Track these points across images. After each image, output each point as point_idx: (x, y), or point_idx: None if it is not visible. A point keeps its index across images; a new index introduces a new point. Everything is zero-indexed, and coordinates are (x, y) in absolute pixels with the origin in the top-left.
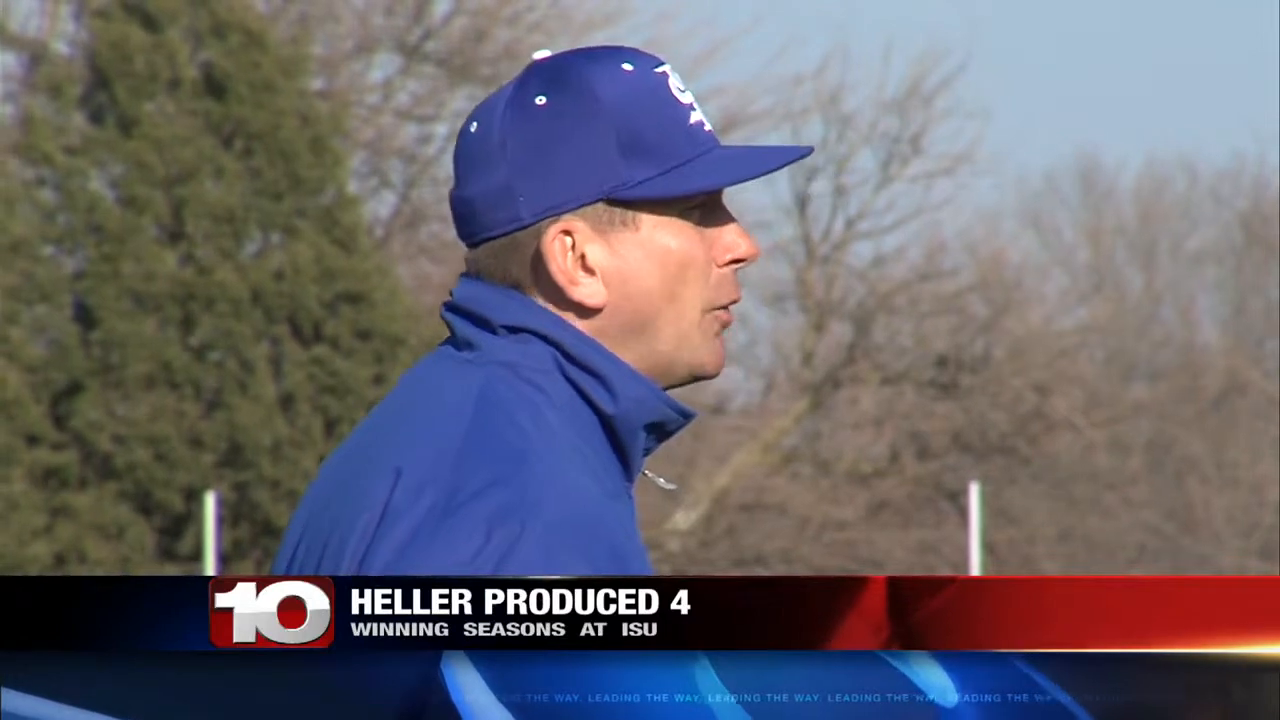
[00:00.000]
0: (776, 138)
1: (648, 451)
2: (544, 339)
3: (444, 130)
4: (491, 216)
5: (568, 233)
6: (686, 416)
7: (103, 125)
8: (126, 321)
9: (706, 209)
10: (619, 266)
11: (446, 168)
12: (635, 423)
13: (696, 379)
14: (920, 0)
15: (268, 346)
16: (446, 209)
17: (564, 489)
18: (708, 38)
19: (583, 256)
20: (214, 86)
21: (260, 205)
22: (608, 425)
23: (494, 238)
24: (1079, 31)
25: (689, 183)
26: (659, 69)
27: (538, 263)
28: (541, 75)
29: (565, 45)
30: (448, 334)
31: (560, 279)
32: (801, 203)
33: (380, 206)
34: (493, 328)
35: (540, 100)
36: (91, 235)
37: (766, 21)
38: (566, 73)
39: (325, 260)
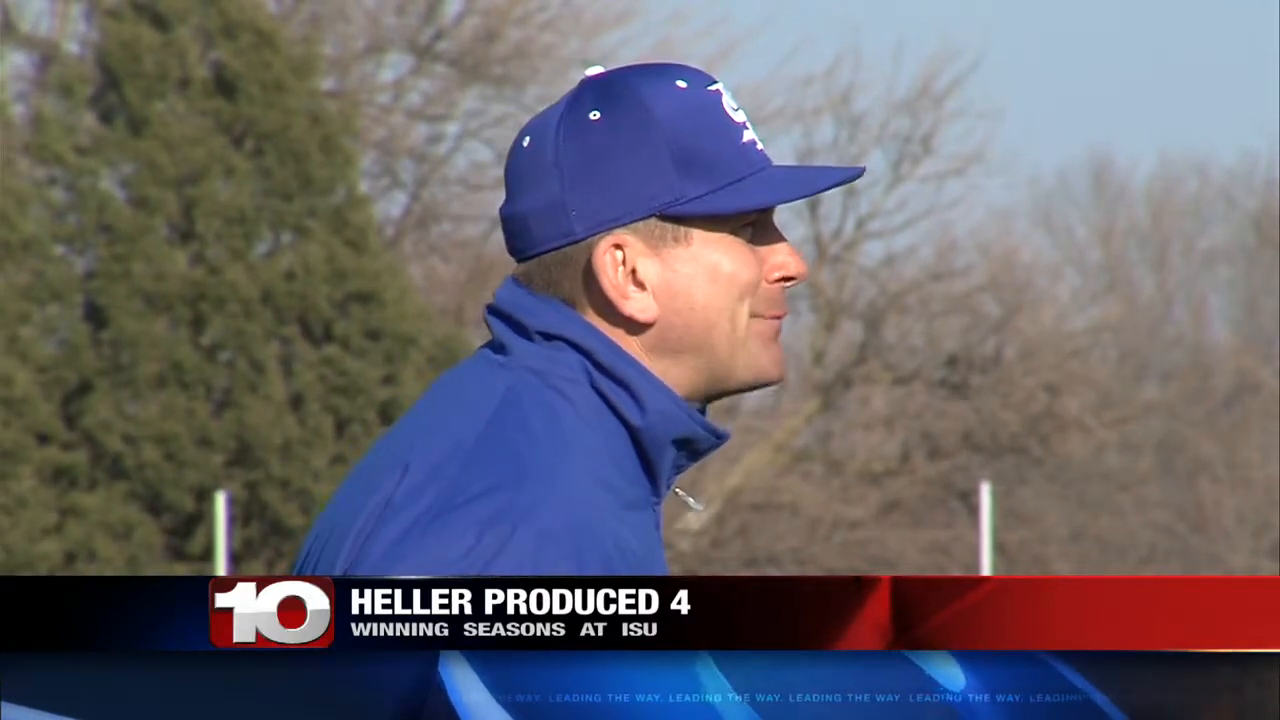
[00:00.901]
0: (788, 139)
1: (680, 469)
2: (576, 347)
3: (455, 130)
4: (543, 231)
5: (619, 247)
6: (718, 437)
7: (113, 125)
8: (137, 321)
9: (758, 227)
10: (670, 281)
11: (457, 167)
12: (662, 436)
13: (758, 386)
14: (931, 1)
15: (278, 346)
16: (457, 208)
17: (566, 497)
18: (719, 39)
19: (634, 271)
20: (224, 86)
21: (271, 205)
22: (635, 437)
23: (545, 252)
24: (1090, 31)
25: (743, 200)
26: (712, 87)
27: (589, 277)
28: (595, 91)
29: (576, 45)
30: (459, 334)
31: (612, 293)
32: (812, 202)
33: (391, 206)
34: (528, 333)
35: (594, 115)
36: (102, 235)
37: (777, 22)
38: (620, 89)
39: (336, 260)
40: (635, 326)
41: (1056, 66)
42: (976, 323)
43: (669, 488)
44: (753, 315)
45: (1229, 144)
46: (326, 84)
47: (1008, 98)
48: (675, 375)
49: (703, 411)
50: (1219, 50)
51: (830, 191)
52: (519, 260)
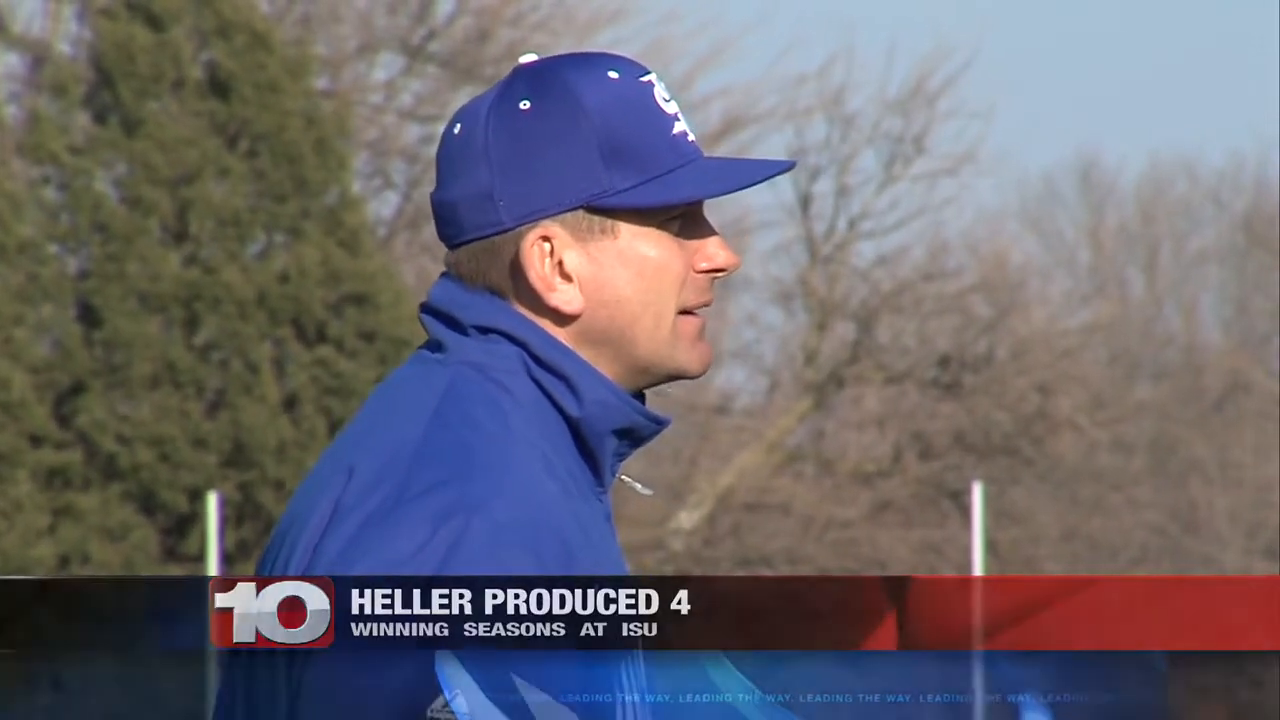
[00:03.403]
0: (780, 138)
1: (622, 456)
2: (512, 340)
3: None
4: (472, 219)
5: (546, 239)
6: (659, 424)
7: (107, 125)
8: (131, 322)
9: (687, 220)
10: (595, 274)
11: None
12: (602, 426)
13: (677, 379)
14: (923, 0)
15: (272, 347)
16: None
17: (516, 488)
18: (711, 38)
19: (560, 263)
20: (218, 87)
21: (265, 206)
22: (574, 428)
23: (473, 240)
24: (1081, 32)
25: (670, 193)
26: (644, 78)
27: (516, 268)
28: (527, 79)
29: (569, 46)
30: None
31: (538, 285)
32: (805, 202)
33: (383, 207)
34: (463, 328)
35: (524, 105)
36: (96, 235)
37: (770, 22)
38: (552, 78)
39: (330, 261)
40: (561, 318)
41: (1047, 67)
42: (968, 323)
43: (613, 475)
44: (681, 311)
45: (1218, 145)
46: (319, 84)
47: (999, 98)
48: (599, 367)
49: (641, 399)
50: (1208, 51)
51: (822, 192)
52: (449, 247)
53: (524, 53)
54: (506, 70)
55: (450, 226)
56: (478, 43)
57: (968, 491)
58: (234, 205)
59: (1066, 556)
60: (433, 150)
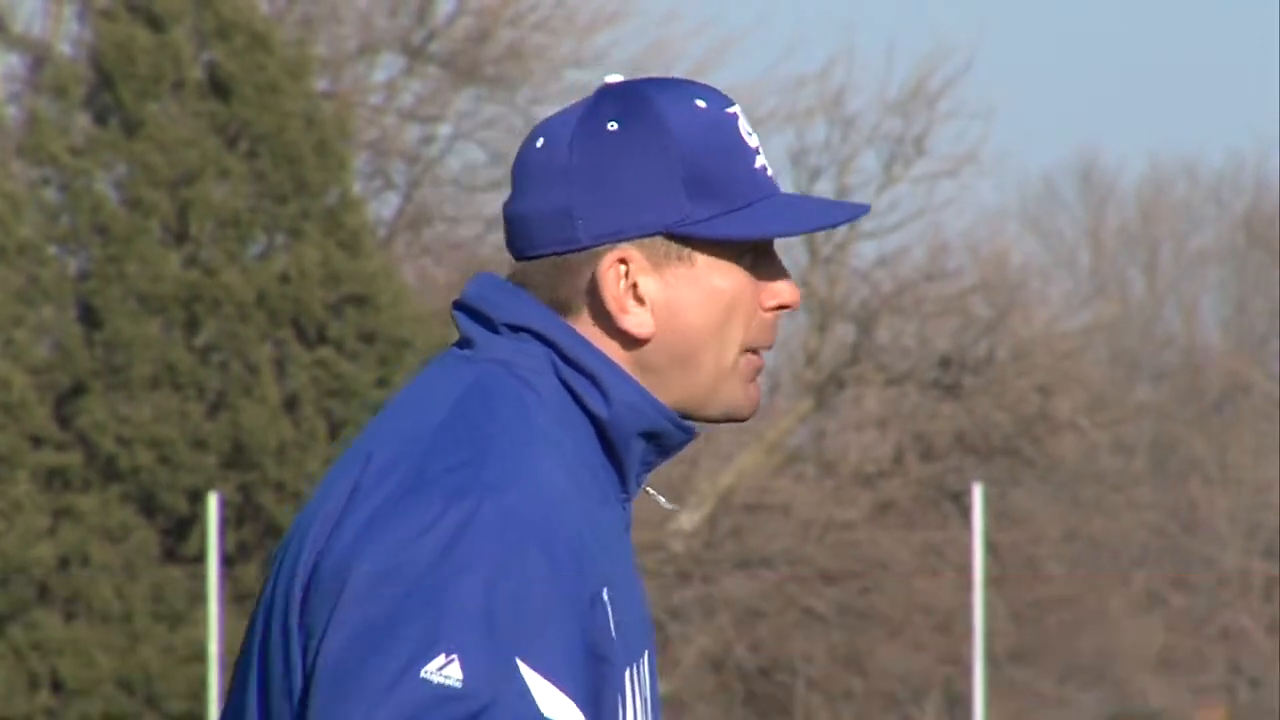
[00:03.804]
0: (780, 140)
1: (649, 466)
2: (541, 338)
3: (447, 131)
4: (547, 235)
5: (624, 261)
6: (686, 432)
7: (107, 126)
8: (131, 323)
9: (759, 253)
10: (669, 300)
11: (450, 168)
12: (629, 428)
13: (729, 419)
14: (924, 1)
15: (272, 348)
16: (449, 209)
17: (532, 480)
18: (711, 39)
19: (634, 286)
20: (218, 88)
21: (265, 207)
22: (601, 429)
23: (545, 255)
24: (1081, 32)
25: (751, 228)
26: (730, 109)
27: (591, 287)
28: (614, 100)
29: (569, 46)
30: (452, 336)
31: (612, 306)
32: None
33: (383, 207)
34: (493, 326)
35: (612, 126)
36: (96, 236)
37: (770, 23)
38: (640, 102)
39: (330, 262)
40: (630, 341)
41: (1047, 68)
42: (968, 324)
43: (639, 485)
44: (744, 350)
45: (1217, 145)
46: (319, 85)
47: (999, 98)
48: (657, 394)
49: None
50: (1208, 52)
51: (822, 193)
52: (517, 259)
53: (525, 53)
54: (507, 70)
55: (521, 239)
56: (478, 43)
57: (968, 493)
58: (234, 206)
59: (1067, 557)
60: (433, 150)
